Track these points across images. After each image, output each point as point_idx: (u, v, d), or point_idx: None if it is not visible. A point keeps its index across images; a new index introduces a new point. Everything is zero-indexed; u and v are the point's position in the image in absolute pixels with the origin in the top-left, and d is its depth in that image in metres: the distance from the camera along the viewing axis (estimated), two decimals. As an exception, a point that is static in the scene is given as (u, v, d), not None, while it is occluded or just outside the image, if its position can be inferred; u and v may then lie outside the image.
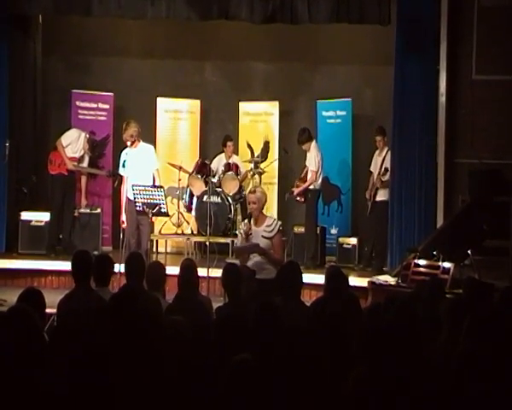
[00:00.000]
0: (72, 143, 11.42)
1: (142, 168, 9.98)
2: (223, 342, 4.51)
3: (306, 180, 11.13)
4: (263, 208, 7.93)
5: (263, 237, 7.66)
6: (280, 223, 7.81)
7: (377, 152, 11.12)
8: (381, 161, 10.97)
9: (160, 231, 11.55)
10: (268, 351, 4.41)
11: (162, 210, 9.62)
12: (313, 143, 11.16)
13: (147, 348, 4.34)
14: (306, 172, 11.20)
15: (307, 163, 11.20)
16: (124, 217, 9.89)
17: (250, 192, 8.13)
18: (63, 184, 11.42)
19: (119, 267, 8.29)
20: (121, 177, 9.97)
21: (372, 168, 11.16)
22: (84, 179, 11.71)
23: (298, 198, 11.27)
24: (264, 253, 7.58)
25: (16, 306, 4.77)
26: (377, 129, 11.13)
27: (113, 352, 4.15)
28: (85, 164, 11.62)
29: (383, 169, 10.86)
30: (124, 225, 9.89)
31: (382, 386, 3.65)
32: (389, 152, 10.89)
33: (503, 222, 9.18)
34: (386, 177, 10.82)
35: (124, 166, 9.84)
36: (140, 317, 4.65)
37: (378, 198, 10.90)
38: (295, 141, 11.39)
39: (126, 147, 10.05)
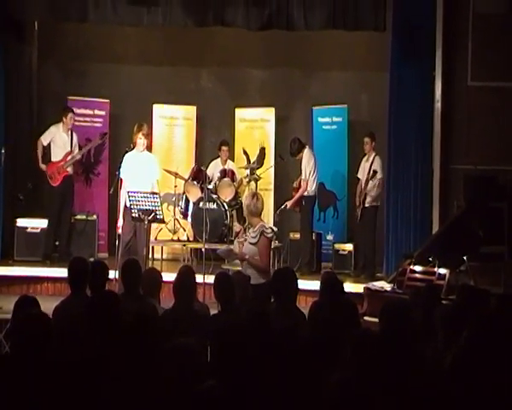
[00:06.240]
0: (55, 140, 11.37)
1: (142, 176, 9.99)
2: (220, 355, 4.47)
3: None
4: (260, 214, 7.73)
5: (249, 242, 7.56)
6: (265, 227, 7.53)
7: (364, 158, 11.18)
8: (368, 166, 11.02)
9: (155, 238, 11.54)
10: (258, 358, 4.39)
11: (158, 217, 9.61)
12: (305, 152, 11.20)
13: (141, 354, 4.33)
14: (300, 180, 11.25)
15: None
16: (120, 222, 9.87)
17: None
18: (61, 191, 11.39)
19: (115, 274, 8.28)
20: (120, 180, 9.96)
21: (360, 175, 11.21)
22: None
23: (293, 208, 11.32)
24: (241, 258, 7.54)
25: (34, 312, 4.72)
26: (368, 133, 11.17)
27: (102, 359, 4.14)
28: (76, 151, 11.57)
29: (371, 172, 10.89)
30: (119, 231, 9.87)
31: (366, 392, 3.63)
32: (376, 157, 10.97)
33: (498, 228, 9.19)
34: (376, 180, 10.85)
35: (119, 172, 9.90)
36: (127, 323, 4.61)
37: (367, 204, 10.93)
38: (291, 148, 11.42)
39: (127, 152, 10.08)
